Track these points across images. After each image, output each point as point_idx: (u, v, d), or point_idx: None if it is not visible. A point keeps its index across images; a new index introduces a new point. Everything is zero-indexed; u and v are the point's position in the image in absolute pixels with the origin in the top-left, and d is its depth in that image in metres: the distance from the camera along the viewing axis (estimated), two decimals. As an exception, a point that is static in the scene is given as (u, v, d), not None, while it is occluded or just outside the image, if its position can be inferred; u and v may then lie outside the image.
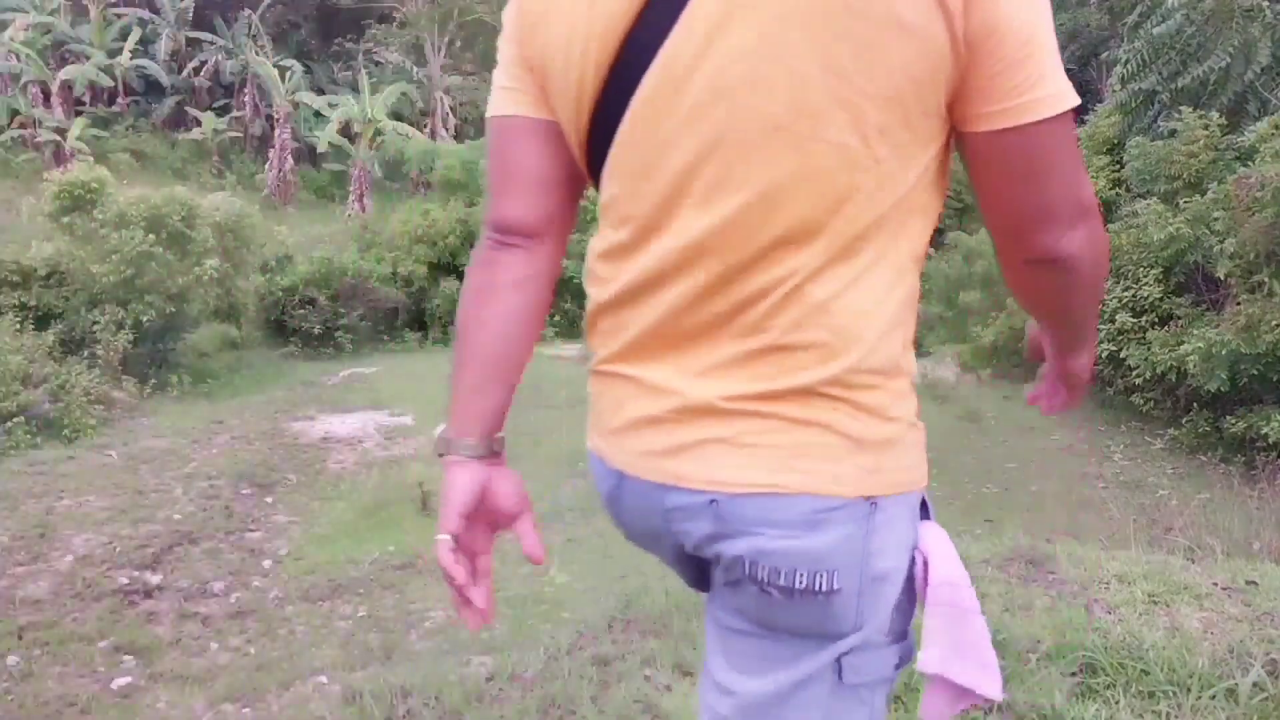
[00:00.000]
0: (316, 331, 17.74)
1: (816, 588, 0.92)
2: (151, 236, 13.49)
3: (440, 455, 1.05)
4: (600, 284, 1.01)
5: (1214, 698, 2.15)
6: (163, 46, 29.36)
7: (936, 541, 1.00)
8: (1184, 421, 10.49)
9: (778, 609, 0.94)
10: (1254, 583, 2.84)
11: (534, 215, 1.04)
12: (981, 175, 0.91)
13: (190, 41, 30.34)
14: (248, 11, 30.30)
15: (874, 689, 0.99)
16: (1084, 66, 21.53)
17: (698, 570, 1.06)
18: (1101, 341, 10.89)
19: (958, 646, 1.01)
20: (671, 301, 0.94)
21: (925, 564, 1.00)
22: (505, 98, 1.03)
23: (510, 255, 1.05)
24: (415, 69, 31.61)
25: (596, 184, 1.01)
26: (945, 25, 0.82)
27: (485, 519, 1.06)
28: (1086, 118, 14.24)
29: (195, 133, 28.91)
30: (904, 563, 0.98)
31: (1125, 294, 11.46)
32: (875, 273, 0.91)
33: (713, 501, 0.94)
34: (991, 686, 1.01)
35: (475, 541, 1.06)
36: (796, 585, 0.92)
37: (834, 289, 0.90)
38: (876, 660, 0.97)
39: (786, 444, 0.91)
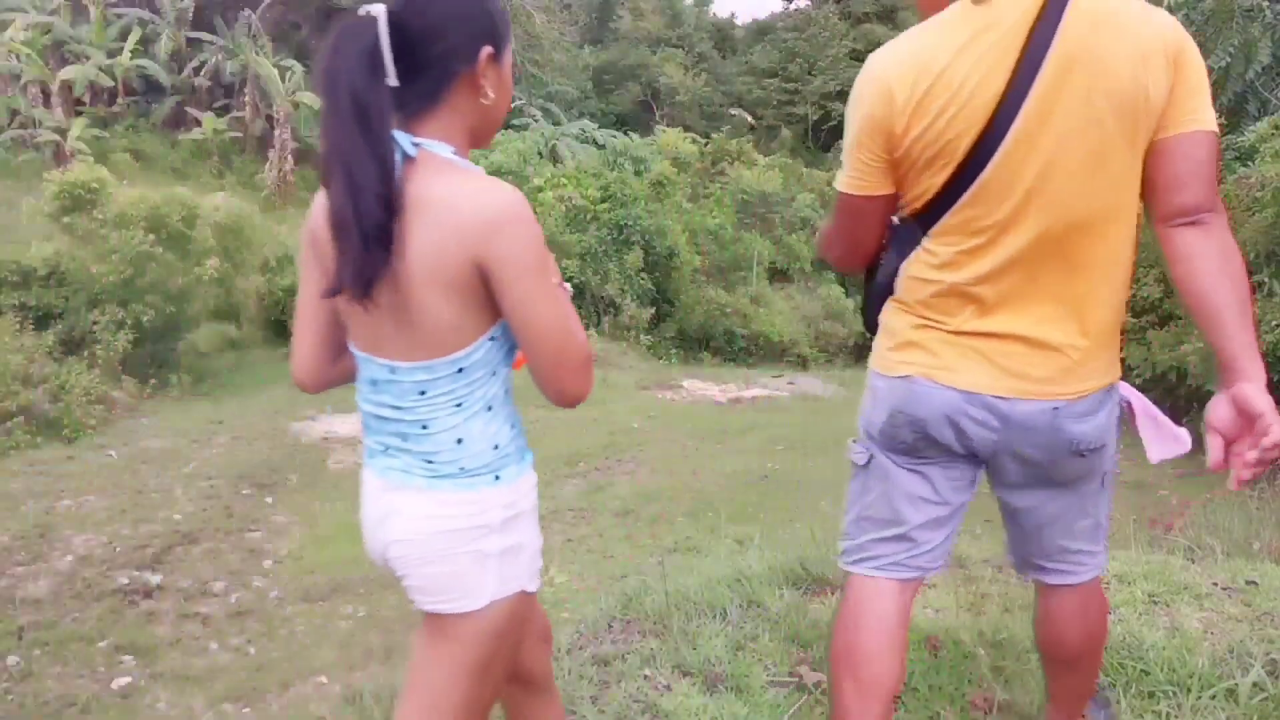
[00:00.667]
0: (316, 331, 17.73)
1: (1100, 445, 1.60)
2: (151, 236, 13.49)
3: None
4: (951, 273, 1.54)
5: (1214, 698, 2.15)
6: (163, 46, 29.35)
7: (1128, 390, 1.67)
8: (1184, 421, 10.30)
9: (1079, 465, 1.61)
10: (1254, 583, 2.84)
11: (863, 252, 1.69)
12: (1164, 168, 1.45)
13: (190, 41, 30.34)
14: (248, 11, 30.28)
15: (1113, 482, 1.72)
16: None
17: (964, 466, 1.65)
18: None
19: (1162, 440, 1.67)
20: (1014, 281, 1.51)
21: (1129, 403, 1.67)
22: (860, 183, 1.56)
23: (854, 267, 1.74)
24: (415, 69, 31.61)
25: (929, 213, 1.54)
26: (1167, 92, 1.42)
27: None
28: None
29: (195, 133, 28.91)
30: (1119, 408, 1.65)
31: (1125, 294, 11.45)
32: (1125, 249, 1.52)
33: (1055, 409, 1.53)
34: (1183, 449, 1.66)
35: None
36: (1091, 449, 1.58)
37: (1112, 258, 1.51)
38: (1112, 467, 1.69)
39: (1094, 366, 1.55)
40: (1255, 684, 2.17)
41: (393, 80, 1.21)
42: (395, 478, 1.34)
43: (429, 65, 1.24)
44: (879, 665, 1.63)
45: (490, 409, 1.32)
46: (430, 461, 1.31)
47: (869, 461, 1.72)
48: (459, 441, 1.30)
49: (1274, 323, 9.14)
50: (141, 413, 12.69)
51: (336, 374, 1.49)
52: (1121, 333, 1.63)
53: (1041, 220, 1.46)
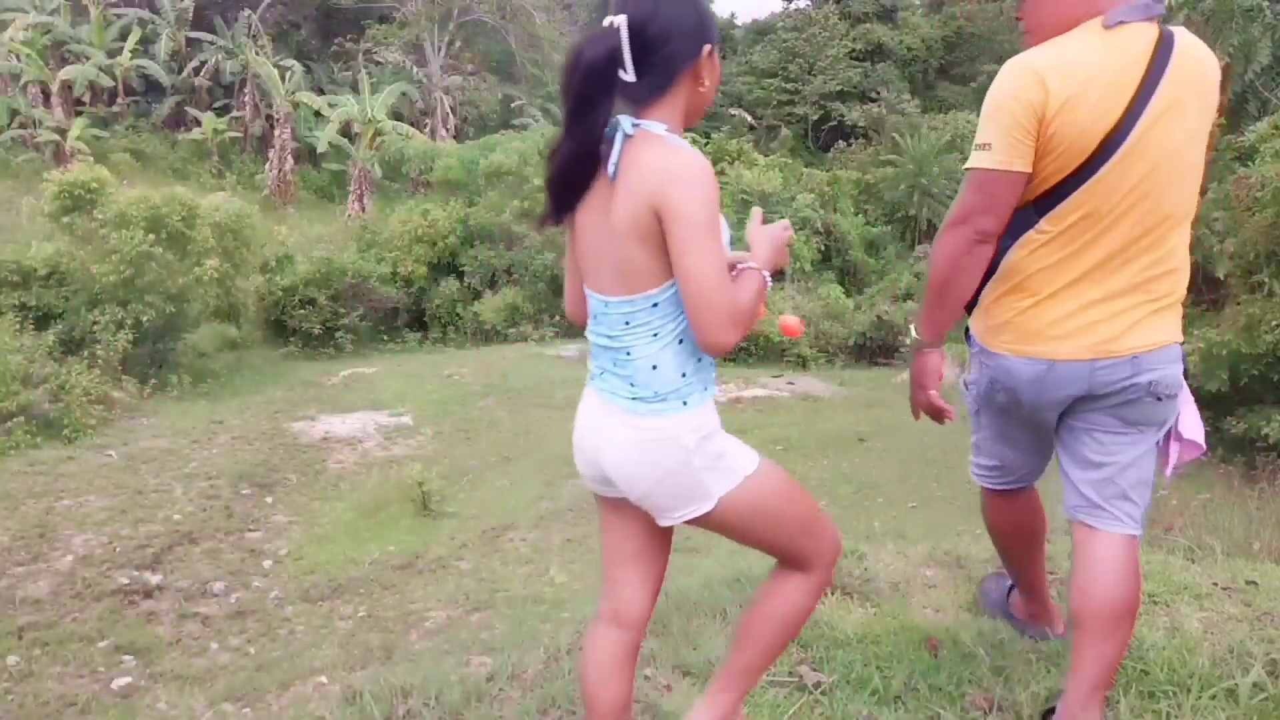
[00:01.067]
0: (316, 331, 17.73)
1: (1173, 393, 1.97)
2: (151, 236, 13.48)
3: (917, 349, 2.12)
4: (1056, 249, 1.91)
5: (1214, 698, 2.15)
6: (163, 46, 29.34)
7: None
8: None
9: (1151, 410, 1.97)
10: (1254, 583, 2.84)
11: (1000, 227, 1.93)
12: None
13: (190, 41, 30.33)
14: (248, 11, 30.28)
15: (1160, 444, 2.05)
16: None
17: (1049, 419, 2.06)
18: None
19: (1191, 424, 2.05)
20: (1106, 257, 1.90)
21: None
22: (1008, 159, 1.86)
23: (982, 250, 1.93)
24: (415, 69, 31.60)
25: (1046, 194, 1.90)
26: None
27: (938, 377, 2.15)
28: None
29: (195, 133, 28.90)
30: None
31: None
32: (1187, 238, 1.96)
33: (1134, 359, 1.91)
34: (1202, 439, 2.07)
35: (935, 394, 2.14)
36: (1168, 394, 1.95)
37: (1182, 245, 1.94)
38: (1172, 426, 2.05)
39: (1163, 323, 1.94)
40: (1255, 684, 2.17)
41: (630, 76, 1.52)
42: (607, 397, 1.64)
43: (660, 63, 1.53)
44: (1020, 525, 2.32)
45: (681, 342, 1.58)
46: (632, 384, 1.59)
47: (977, 411, 2.23)
48: (654, 368, 1.57)
49: (1274, 323, 9.13)
50: (141, 413, 12.68)
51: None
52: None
53: (1139, 211, 1.88)
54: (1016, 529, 2.33)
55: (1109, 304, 1.90)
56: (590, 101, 1.52)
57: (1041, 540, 2.34)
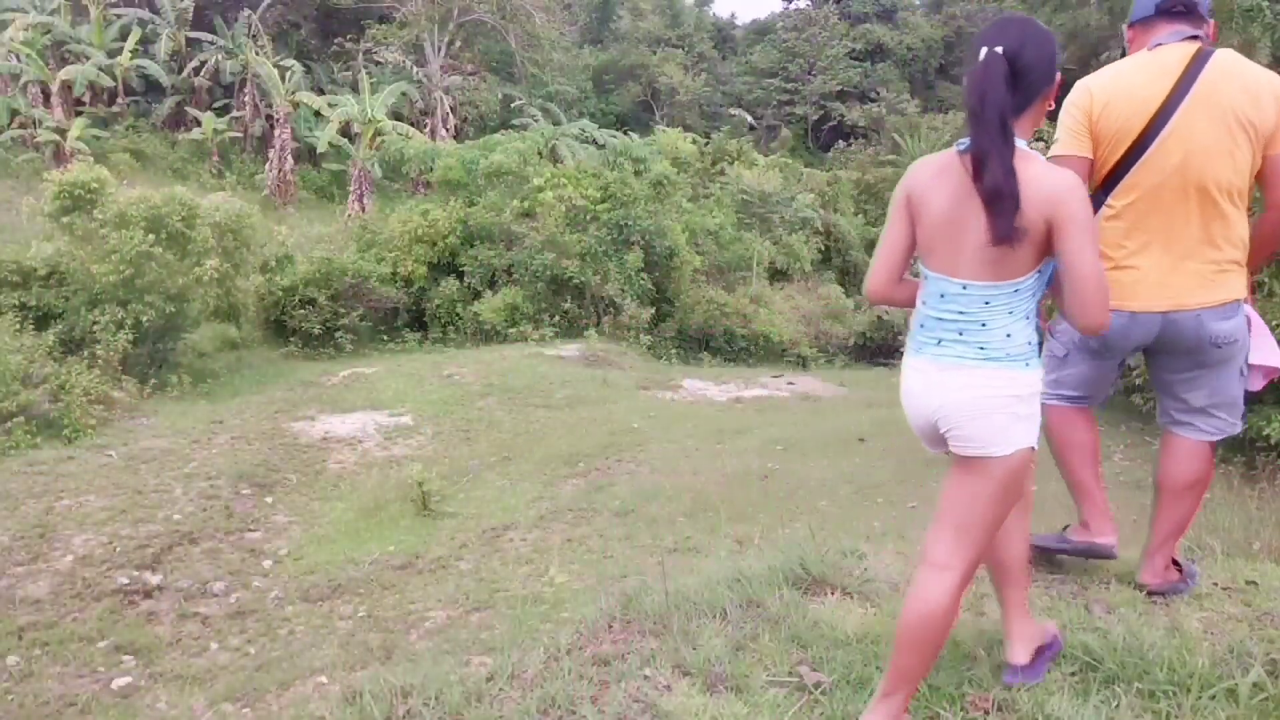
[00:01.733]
0: (316, 331, 17.73)
1: (1232, 341, 2.53)
2: (151, 236, 13.47)
3: None
4: (1124, 219, 2.50)
5: (1214, 698, 2.15)
6: (163, 46, 29.34)
7: (1251, 311, 2.58)
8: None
9: (1213, 354, 2.54)
10: (1254, 583, 2.85)
11: None
12: (1267, 174, 2.49)
13: (190, 41, 30.33)
14: (248, 11, 30.28)
15: (1247, 373, 2.63)
16: (1084, 66, 21.51)
17: (1128, 357, 2.73)
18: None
19: (1266, 352, 2.62)
20: (1165, 225, 2.47)
21: (1250, 319, 2.57)
22: (1068, 148, 2.53)
23: None
24: (415, 69, 31.60)
25: (1108, 178, 2.52)
26: (1275, 124, 2.43)
27: None
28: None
29: (195, 133, 28.90)
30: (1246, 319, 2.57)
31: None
32: (1242, 210, 2.48)
33: (1198, 315, 2.48)
34: (1277, 360, 2.63)
35: None
36: (1227, 342, 2.52)
37: (1235, 218, 2.48)
38: (1244, 360, 2.60)
39: (1226, 283, 2.49)
40: (1255, 684, 2.17)
41: None
42: (949, 361, 1.96)
43: (1026, 88, 1.88)
44: (1083, 440, 2.79)
45: (1028, 318, 1.94)
46: (982, 348, 1.93)
47: (1066, 355, 2.75)
48: (1008, 335, 1.92)
49: (1274, 323, 9.13)
50: (141, 413, 12.68)
51: (896, 294, 2.11)
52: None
53: (1182, 186, 2.42)
54: (1072, 442, 2.80)
55: (1177, 267, 2.45)
56: (1006, 121, 1.82)
57: (1097, 451, 2.81)
